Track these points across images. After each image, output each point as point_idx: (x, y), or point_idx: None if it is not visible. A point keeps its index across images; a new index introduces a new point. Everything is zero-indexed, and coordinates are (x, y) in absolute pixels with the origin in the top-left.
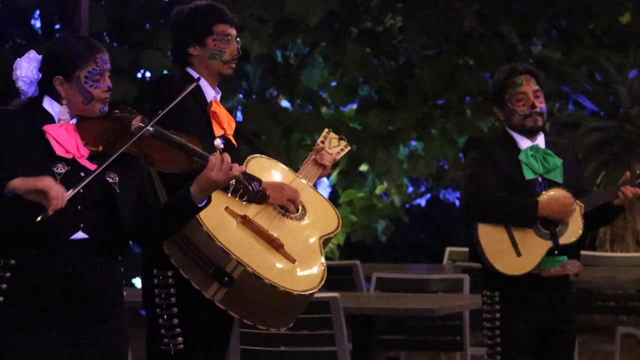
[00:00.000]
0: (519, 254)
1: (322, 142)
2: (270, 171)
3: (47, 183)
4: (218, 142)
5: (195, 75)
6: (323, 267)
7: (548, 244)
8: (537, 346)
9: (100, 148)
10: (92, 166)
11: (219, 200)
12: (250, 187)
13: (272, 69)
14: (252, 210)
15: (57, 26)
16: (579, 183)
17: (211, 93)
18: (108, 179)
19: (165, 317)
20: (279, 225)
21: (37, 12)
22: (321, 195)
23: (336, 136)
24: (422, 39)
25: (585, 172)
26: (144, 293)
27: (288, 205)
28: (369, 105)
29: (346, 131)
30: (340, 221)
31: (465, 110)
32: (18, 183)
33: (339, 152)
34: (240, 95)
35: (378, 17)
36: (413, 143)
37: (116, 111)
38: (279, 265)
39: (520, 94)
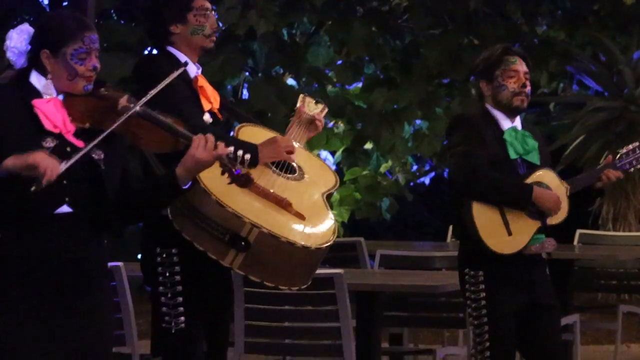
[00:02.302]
0: (510, 233)
1: (301, 105)
2: (260, 137)
3: (38, 157)
4: (207, 117)
5: (177, 54)
6: (333, 221)
7: (537, 224)
8: (521, 324)
9: (87, 125)
10: (78, 142)
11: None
12: (233, 169)
13: (278, 47)
14: (254, 175)
15: (65, 3)
16: (550, 166)
17: (193, 69)
18: (93, 155)
19: (169, 295)
20: (282, 186)
21: None
22: (314, 154)
23: (312, 99)
24: (427, 19)
25: (589, 152)
26: (146, 271)
27: (287, 157)
28: (374, 84)
29: (351, 109)
30: (337, 177)
31: (470, 89)
32: (11, 162)
33: (319, 113)
34: (247, 73)
35: None
36: (418, 122)
37: (102, 89)
38: (291, 223)
39: (513, 71)
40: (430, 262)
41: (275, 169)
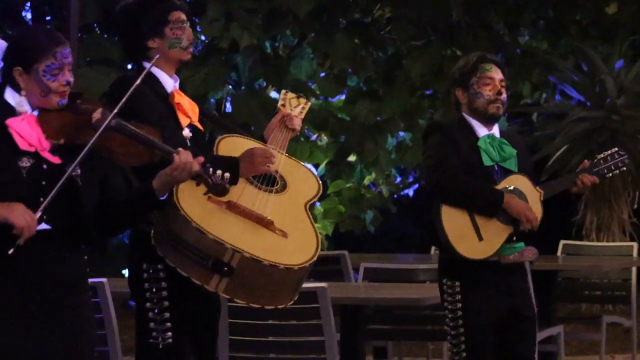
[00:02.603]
0: (480, 238)
1: (283, 105)
2: (242, 148)
3: (15, 215)
4: (187, 133)
5: (154, 69)
6: (315, 234)
7: (508, 229)
8: (500, 333)
9: (62, 141)
10: (54, 159)
11: (200, 192)
12: (209, 179)
13: (261, 60)
14: (234, 194)
15: (48, 17)
16: (530, 173)
17: (170, 83)
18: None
19: (156, 310)
20: (264, 203)
21: (28, 3)
22: (296, 160)
23: (294, 95)
24: (410, 30)
25: (572, 161)
26: (133, 286)
27: (266, 170)
28: (358, 96)
29: (335, 122)
30: (320, 183)
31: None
32: None
33: (301, 112)
34: (230, 87)
35: (366, 8)
36: (401, 133)
37: (78, 101)
38: (273, 243)
39: (489, 78)
40: (414, 274)
41: (256, 182)
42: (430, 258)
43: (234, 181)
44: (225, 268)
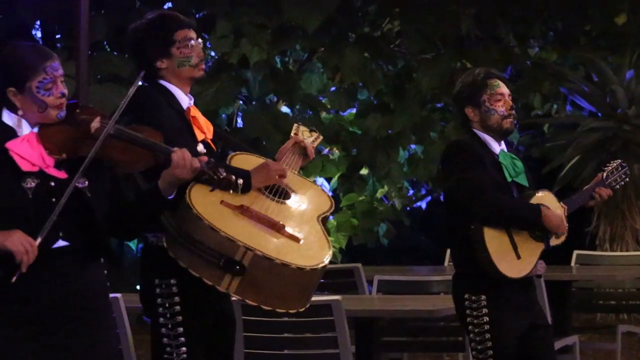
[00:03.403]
0: (518, 256)
1: (296, 134)
2: (253, 165)
3: (13, 242)
4: (201, 148)
5: (168, 85)
6: (328, 241)
7: (541, 246)
8: (521, 347)
9: (64, 155)
10: (60, 174)
11: (213, 196)
12: (215, 175)
13: (271, 75)
14: (247, 200)
15: (58, 36)
16: (536, 188)
17: (185, 100)
18: (78, 184)
19: (169, 326)
20: (277, 210)
21: (38, 22)
22: (308, 180)
23: (307, 128)
24: (419, 43)
25: (584, 172)
26: (145, 302)
27: (279, 181)
28: (368, 110)
29: (346, 135)
30: (333, 201)
31: None
32: None
33: (313, 142)
34: (240, 102)
35: (376, 21)
36: (412, 146)
37: (77, 111)
38: (285, 245)
39: (499, 94)
40: (428, 286)
41: (268, 194)
42: (444, 270)
43: (246, 189)
44: (237, 267)
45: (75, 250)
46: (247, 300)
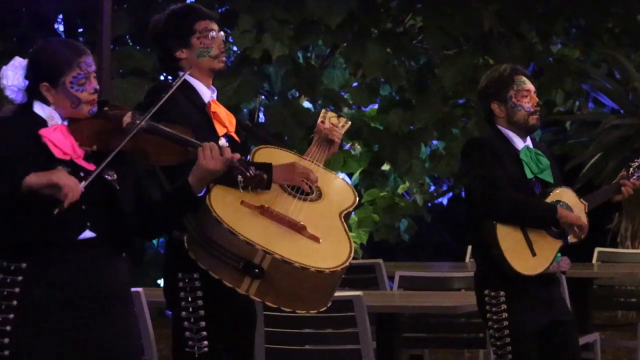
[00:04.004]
0: (534, 253)
1: (322, 122)
2: (278, 159)
3: (61, 177)
4: (223, 142)
5: (189, 78)
6: (349, 241)
7: (559, 243)
8: (542, 343)
9: (95, 147)
10: (89, 166)
11: (234, 197)
12: (247, 172)
13: (293, 70)
14: (268, 199)
15: (80, 30)
16: (562, 183)
17: (207, 93)
18: (106, 176)
19: (191, 320)
20: (298, 209)
21: (61, 16)
22: (333, 172)
23: (334, 114)
24: (442, 39)
25: (606, 169)
26: (168, 296)
27: (301, 184)
28: (390, 105)
29: (368, 131)
30: (356, 195)
31: None
32: (33, 179)
33: (342, 127)
34: (263, 97)
35: (398, 17)
36: (434, 142)
37: (106, 108)
38: (305, 247)
39: (526, 90)
40: (449, 282)
41: (291, 190)
42: (465, 266)
43: (267, 185)
44: (256, 270)
45: (100, 242)
46: (267, 302)
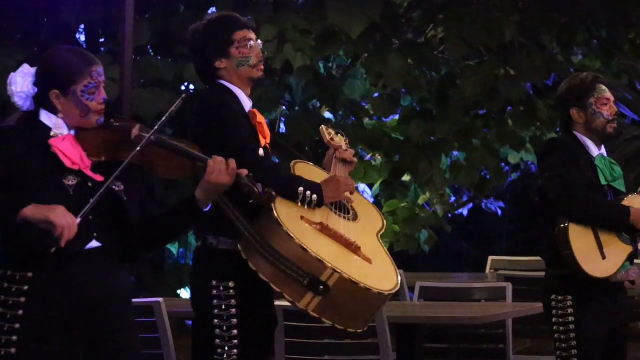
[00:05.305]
0: (603, 257)
1: (332, 139)
2: (312, 174)
3: (57, 215)
4: (261, 153)
5: (229, 85)
6: (392, 262)
7: (629, 249)
8: (604, 351)
9: (103, 158)
10: (97, 177)
11: (294, 211)
12: (255, 188)
13: (314, 80)
14: (323, 217)
15: (102, 40)
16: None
17: (248, 103)
18: (114, 187)
19: (224, 328)
20: (348, 228)
21: (82, 26)
22: (358, 192)
23: (332, 130)
24: (463, 50)
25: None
26: (198, 304)
27: (347, 198)
28: (411, 116)
29: (389, 142)
30: (383, 216)
31: (507, 120)
32: (30, 212)
33: (346, 146)
34: (283, 107)
35: (419, 28)
36: (455, 153)
37: (112, 120)
38: (362, 267)
39: (606, 99)
40: (469, 293)
41: (335, 210)
42: (486, 277)
43: (319, 204)
44: (322, 287)
45: (105, 251)
46: (323, 319)
